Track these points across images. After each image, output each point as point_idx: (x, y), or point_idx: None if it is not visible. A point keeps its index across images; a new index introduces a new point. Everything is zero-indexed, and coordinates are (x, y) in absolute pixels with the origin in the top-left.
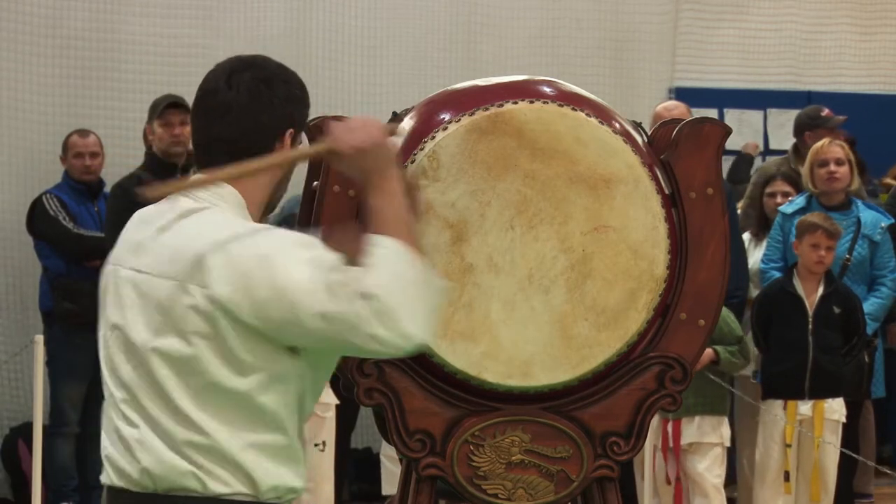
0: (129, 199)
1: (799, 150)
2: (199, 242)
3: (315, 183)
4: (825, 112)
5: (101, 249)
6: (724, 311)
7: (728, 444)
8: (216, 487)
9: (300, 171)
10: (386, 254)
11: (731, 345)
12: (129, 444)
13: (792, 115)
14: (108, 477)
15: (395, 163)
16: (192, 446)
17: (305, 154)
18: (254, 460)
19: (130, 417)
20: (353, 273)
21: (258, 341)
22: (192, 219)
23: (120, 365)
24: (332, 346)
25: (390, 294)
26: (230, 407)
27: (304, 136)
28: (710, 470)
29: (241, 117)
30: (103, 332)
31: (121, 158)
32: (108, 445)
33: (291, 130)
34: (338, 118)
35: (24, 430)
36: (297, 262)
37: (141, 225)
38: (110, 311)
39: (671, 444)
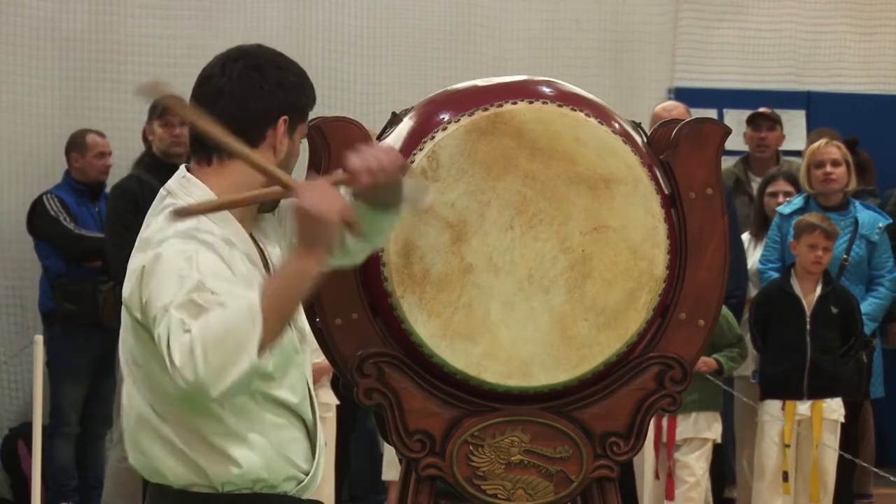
0: (128, 199)
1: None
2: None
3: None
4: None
5: (102, 250)
6: (724, 310)
7: (719, 439)
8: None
9: (301, 167)
10: (238, 305)
11: (730, 344)
12: None
13: (792, 115)
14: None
15: (328, 250)
16: None
17: (269, 175)
18: None
19: None
20: (201, 300)
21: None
22: (163, 215)
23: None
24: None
25: (206, 352)
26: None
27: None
28: (698, 463)
29: (231, 103)
30: None
31: (121, 159)
32: None
33: (286, 117)
34: (341, 118)
35: (24, 431)
36: (172, 275)
37: (147, 219)
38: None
39: (664, 440)
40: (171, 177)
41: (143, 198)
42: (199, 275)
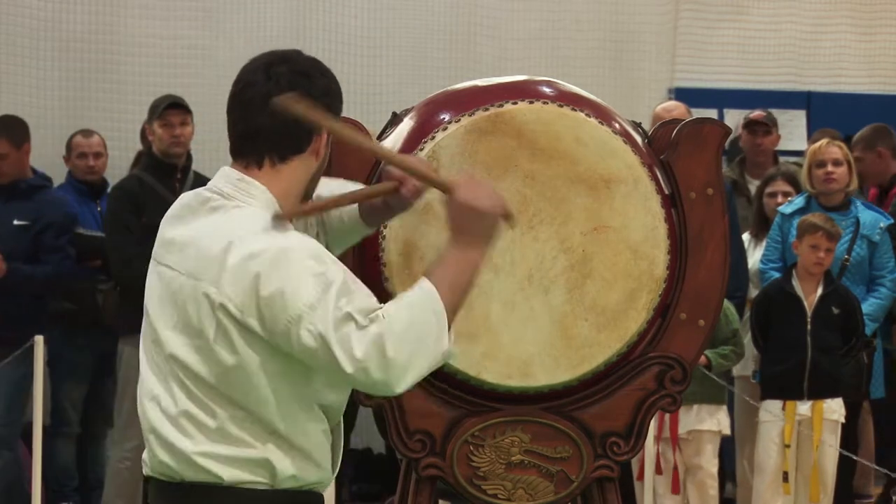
0: (128, 199)
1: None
2: (219, 242)
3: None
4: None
5: (102, 249)
6: (725, 303)
7: (727, 431)
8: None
9: None
10: (419, 296)
11: (726, 337)
12: None
13: (792, 115)
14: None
15: (491, 242)
16: None
17: (425, 178)
18: None
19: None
20: (363, 304)
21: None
22: (219, 216)
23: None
24: (316, 366)
25: (396, 345)
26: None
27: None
28: (706, 458)
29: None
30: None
31: (121, 159)
32: None
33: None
34: (341, 118)
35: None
36: (306, 274)
37: (173, 221)
38: (149, 306)
39: (667, 434)
40: (170, 177)
41: (143, 198)
42: (338, 271)
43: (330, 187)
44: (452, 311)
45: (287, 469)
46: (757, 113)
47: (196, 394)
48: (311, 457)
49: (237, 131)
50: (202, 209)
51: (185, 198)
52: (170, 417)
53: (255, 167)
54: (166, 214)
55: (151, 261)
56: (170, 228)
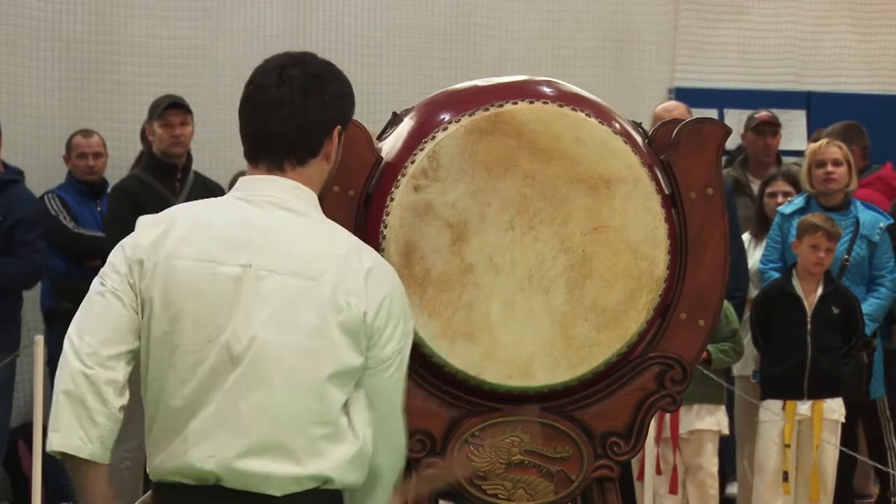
0: (128, 199)
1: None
2: (335, 249)
3: None
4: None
5: (102, 249)
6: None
7: (726, 431)
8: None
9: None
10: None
11: (725, 337)
12: None
13: (792, 115)
14: None
15: None
16: None
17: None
18: None
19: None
20: None
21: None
22: (306, 222)
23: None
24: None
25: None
26: None
27: None
28: (706, 458)
29: (294, 113)
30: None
31: (121, 159)
32: None
33: (339, 127)
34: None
35: (24, 431)
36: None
37: (231, 225)
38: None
39: (667, 434)
40: (170, 177)
41: (143, 198)
42: None
43: None
44: None
45: None
46: (763, 113)
47: None
48: None
49: (249, 133)
50: (263, 211)
51: (215, 205)
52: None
53: (277, 171)
54: (212, 219)
55: (187, 262)
56: (232, 229)
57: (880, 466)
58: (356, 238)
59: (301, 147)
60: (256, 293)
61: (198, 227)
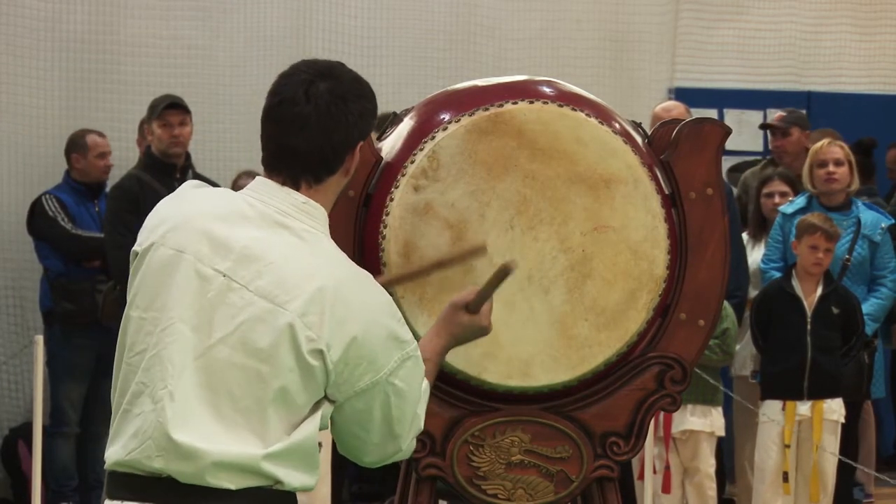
0: (128, 199)
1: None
2: (312, 280)
3: None
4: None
5: (100, 250)
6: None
7: (721, 433)
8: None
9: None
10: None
11: (714, 335)
12: None
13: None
14: None
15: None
16: None
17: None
18: None
19: None
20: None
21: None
22: (299, 244)
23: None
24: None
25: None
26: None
27: None
28: (703, 459)
29: (317, 133)
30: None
31: (121, 159)
32: None
33: (361, 143)
34: None
35: (24, 431)
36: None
37: (213, 220)
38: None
39: (660, 434)
40: (170, 176)
41: (143, 197)
42: (403, 328)
43: None
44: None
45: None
46: (778, 115)
47: None
48: None
49: (270, 145)
50: (262, 222)
51: (226, 198)
52: None
53: (292, 185)
54: (205, 211)
55: (175, 251)
56: (217, 225)
57: (880, 476)
58: (350, 267)
59: (321, 167)
60: (224, 301)
61: (192, 219)
